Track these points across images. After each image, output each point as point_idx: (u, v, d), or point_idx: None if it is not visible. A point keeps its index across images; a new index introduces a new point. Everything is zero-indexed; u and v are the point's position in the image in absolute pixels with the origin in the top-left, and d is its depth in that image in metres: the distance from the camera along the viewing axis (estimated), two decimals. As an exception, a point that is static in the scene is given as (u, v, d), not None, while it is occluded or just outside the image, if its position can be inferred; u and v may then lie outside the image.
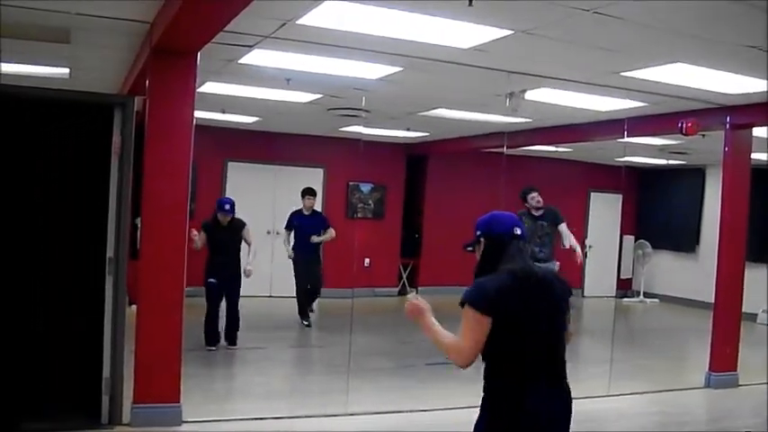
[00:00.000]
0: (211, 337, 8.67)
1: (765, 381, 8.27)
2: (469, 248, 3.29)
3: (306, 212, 10.63)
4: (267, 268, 11.36)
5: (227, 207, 8.75)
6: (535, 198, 9.11)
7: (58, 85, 7.86)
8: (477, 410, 3.12)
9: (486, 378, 3.10)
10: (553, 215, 9.14)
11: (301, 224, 10.54)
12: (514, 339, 2.99)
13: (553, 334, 3.11)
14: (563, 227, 9.11)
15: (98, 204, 5.74)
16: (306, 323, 10.52)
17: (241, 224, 8.89)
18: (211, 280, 8.69)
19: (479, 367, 3.06)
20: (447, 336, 3.09)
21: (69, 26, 5.78)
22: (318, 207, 11.25)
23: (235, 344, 8.97)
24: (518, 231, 3.19)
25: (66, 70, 7.70)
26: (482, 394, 3.12)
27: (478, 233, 3.25)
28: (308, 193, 10.68)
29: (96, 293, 5.74)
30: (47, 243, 6.53)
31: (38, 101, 5.90)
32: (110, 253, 5.67)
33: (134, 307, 5.90)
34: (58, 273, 6.49)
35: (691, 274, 14.30)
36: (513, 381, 3.02)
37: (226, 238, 8.73)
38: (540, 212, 9.09)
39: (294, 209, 10.72)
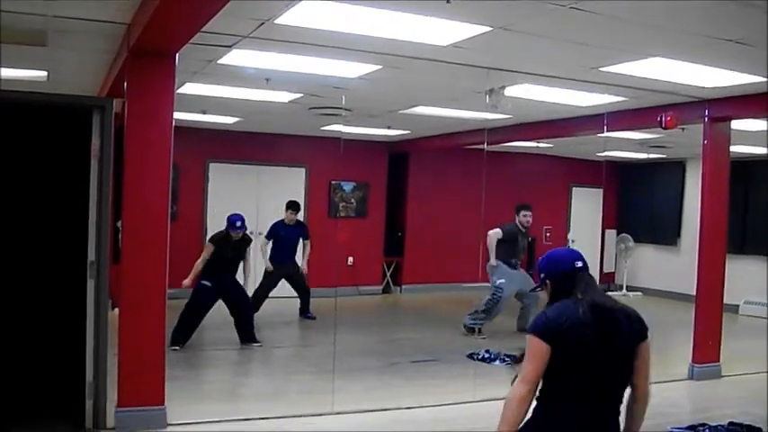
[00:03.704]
0: (179, 337, 8.53)
1: (752, 371, 8.40)
2: (538, 290, 3.26)
3: (288, 223, 10.85)
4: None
5: (239, 224, 8.84)
6: (527, 216, 10.28)
7: (35, 88, 7.81)
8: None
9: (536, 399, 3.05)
10: (528, 238, 10.61)
11: (282, 234, 10.76)
12: (567, 364, 2.94)
13: (611, 371, 3.02)
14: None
15: (78, 208, 5.70)
16: None
17: (248, 240, 9.10)
18: (206, 282, 8.69)
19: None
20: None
21: (46, 29, 5.73)
22: (301, 206, 11.26)
23: (258, 341, 9.17)
24: (579, 264, 3.16)
25: (44, 73, 7.65)
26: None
27: (542, 275, 3.22)
28: (291, 207, 10.93)
29: (78, 297, 5.70)
30: (27, 248, 6.50)
31: (16, 104, 5.86)
32: (91, 257, 5.63)
33: (117, 310, 5.87)
34: (39, 277, 6.46)
35: (673, 267, 14.41)
36: (557, 407, 2.99)
37: (233, 253, 8.86)
38: (525, 230, 10.31)
39: (277, 219, 10.94)
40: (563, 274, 3.15)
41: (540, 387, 3.01)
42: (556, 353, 2.92)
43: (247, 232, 9.12)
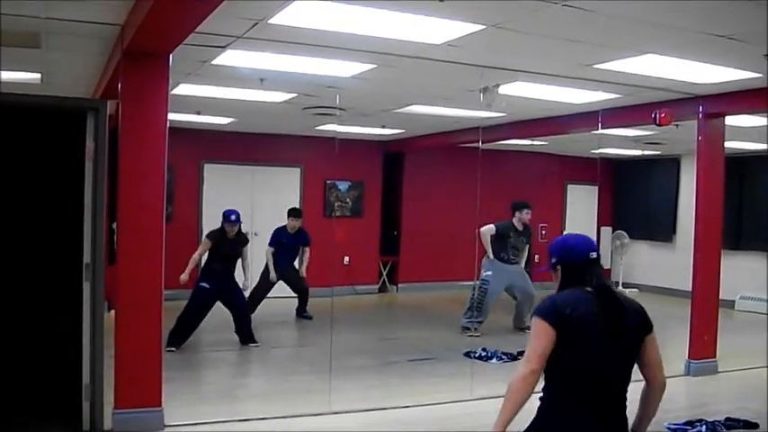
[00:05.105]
0: (175, 339, 8.52)
1: (749, 367, 8.42)
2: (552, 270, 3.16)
3: (290, 231, 10.76)
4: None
5: (233, 218, 8.82)
6: (529, 215, 10.43)
7: (29, 90, 7.79)
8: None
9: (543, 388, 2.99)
10: (529, 234, 10.61)
11: (283, 241, 10.68)
12: (571, 352, 2.87)
13: (615, 361, 2.95)
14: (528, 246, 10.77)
15: (73, 210, 5.70)
16: None
17: (245, 240, 9.04)
18: (204, 284, 8.71)
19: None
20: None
21: (40, 30, 5.73)
22: (301, 213, 11.17)
23: (256, 341, 9.16)
24: (593, 255, 3.08)
25: (38, 75, 7.64)
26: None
27: (553, 260, 3.11)
28: (292, 214, 10.87)
29: (74, 299, 5.69)
30: (22, 251, 6.49)
31: (10, 107, 5.85)
32: (86, 259, 5.62)
33: (113, 312, 5.86)
34: (35, 280, 6.45)
35: (668, 263, 14.43)
36: (560, 396, 2.93)
37: (230, 250, 8.83)
38: (522, 228, 10.39)
39: (273, 221, 10.92)
40: (576, 264, 3.07)
41: (543, 382, 2.95)
42: (559, 339, 2.85)
43: (243, 230, 9.07)
